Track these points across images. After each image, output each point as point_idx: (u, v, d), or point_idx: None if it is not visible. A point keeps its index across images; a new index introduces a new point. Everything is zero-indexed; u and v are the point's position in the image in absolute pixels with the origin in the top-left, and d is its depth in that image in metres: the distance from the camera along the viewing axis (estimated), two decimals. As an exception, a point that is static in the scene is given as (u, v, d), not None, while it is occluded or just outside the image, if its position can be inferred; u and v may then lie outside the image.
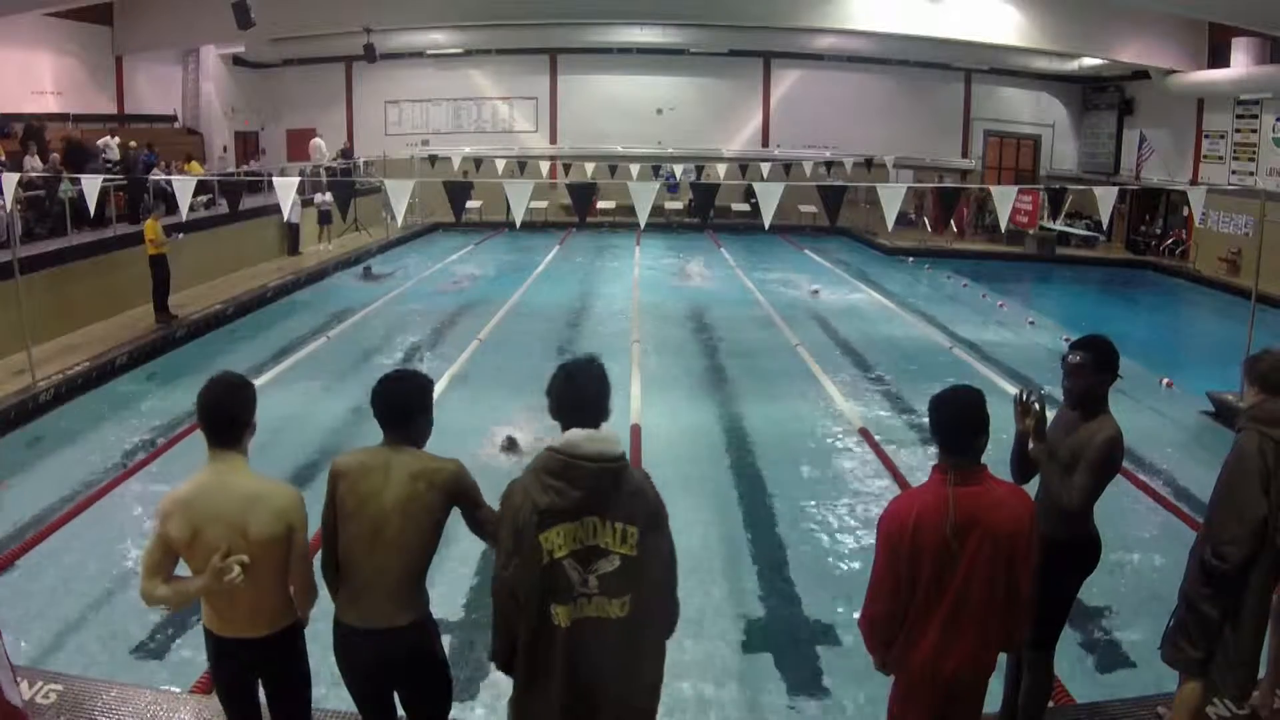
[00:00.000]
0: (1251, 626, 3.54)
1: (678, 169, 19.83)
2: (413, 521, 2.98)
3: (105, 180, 11.32)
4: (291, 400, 9.41)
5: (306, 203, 19.29)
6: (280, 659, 3.09)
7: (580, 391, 2.76)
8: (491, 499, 2.99)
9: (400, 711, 3.26)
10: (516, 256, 20.23)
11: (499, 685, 4.76)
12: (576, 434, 2.65)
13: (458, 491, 3.04)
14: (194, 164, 18.43)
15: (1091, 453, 3.40)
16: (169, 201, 12.32)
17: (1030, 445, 3.55)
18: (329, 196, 18.95)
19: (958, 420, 2.91)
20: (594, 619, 2.58)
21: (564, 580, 2.55)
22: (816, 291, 16.23)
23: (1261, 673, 4.07)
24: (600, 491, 2.58)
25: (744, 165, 23.01)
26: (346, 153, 24.73)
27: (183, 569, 2.96)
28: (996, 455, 3.48)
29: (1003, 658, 3.57)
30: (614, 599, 2.58)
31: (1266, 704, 4.07)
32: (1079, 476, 3.41)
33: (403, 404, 3.08)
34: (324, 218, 20.07)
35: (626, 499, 2.61)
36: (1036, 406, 3.52)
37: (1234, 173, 19.18)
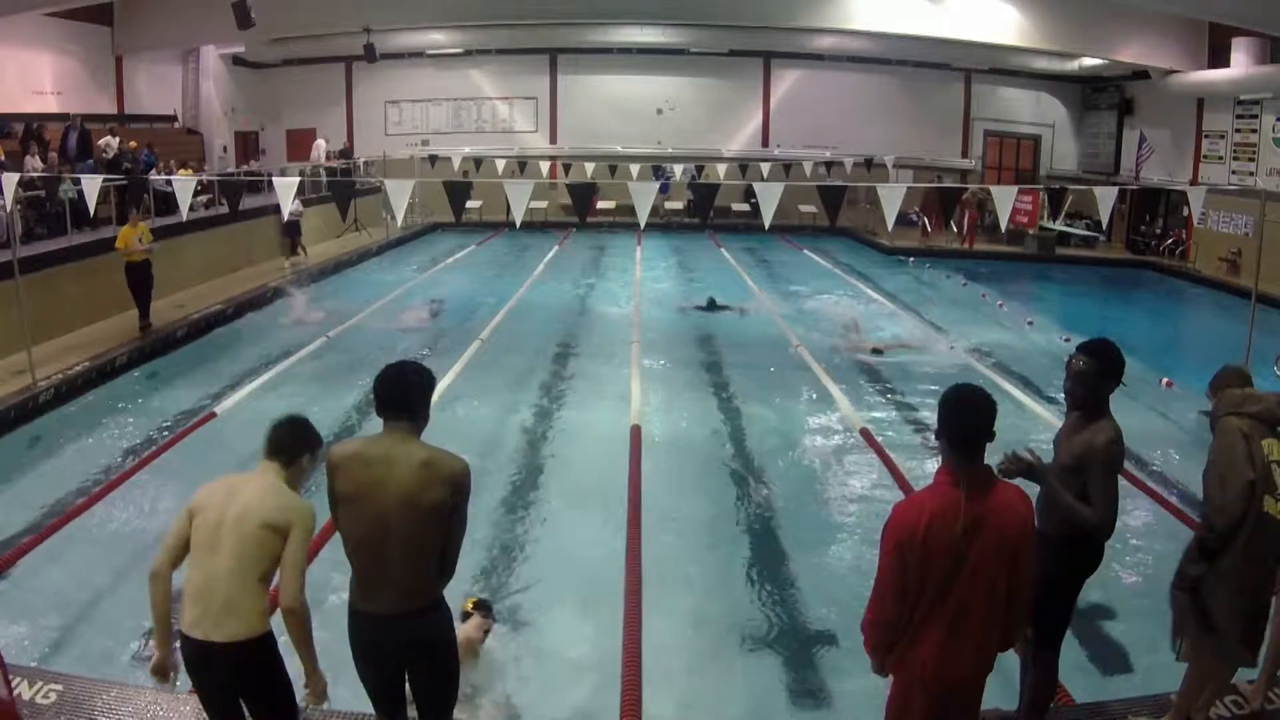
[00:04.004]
0: (1248, 591, 3.59)
1: (677, 169, 19.85)
2: (420, 511, 3.00)
3: (105, 180, 11.30)
4: (290, 400, 9.41)
5: (250, 213, 16.88)
6: (257, 670, 3.12)
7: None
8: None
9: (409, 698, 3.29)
10: (516, 257, 20.24)
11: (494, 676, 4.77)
12: None
13: (461, 489, 3.07)
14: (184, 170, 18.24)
15: (1099, 458, 3.42)
16: (147, 205, 12.10)
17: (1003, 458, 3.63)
18: (298, 204, 16.63)
19: (968, 421, 2.90)
20: None
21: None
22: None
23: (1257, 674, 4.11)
24: None
25: (744, 165, 23.02)
26: (346, 153, 24.72)
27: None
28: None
29: (1013, 660, 3.58)
30: None
31: (1257, 699, 4.10)
32: (1096, 487, 3.41)
33: (408, 393, 3.14)
34: (290, 229, 18.00)
35: None
36: (1018, 461, 3.47)
37: (1234, 173, 19.17)
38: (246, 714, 3.22)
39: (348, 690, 3.52)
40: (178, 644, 3.12)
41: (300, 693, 3.25)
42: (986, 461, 2.95)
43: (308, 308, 14.17)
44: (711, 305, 14.67)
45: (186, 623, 3.05)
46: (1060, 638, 3.73)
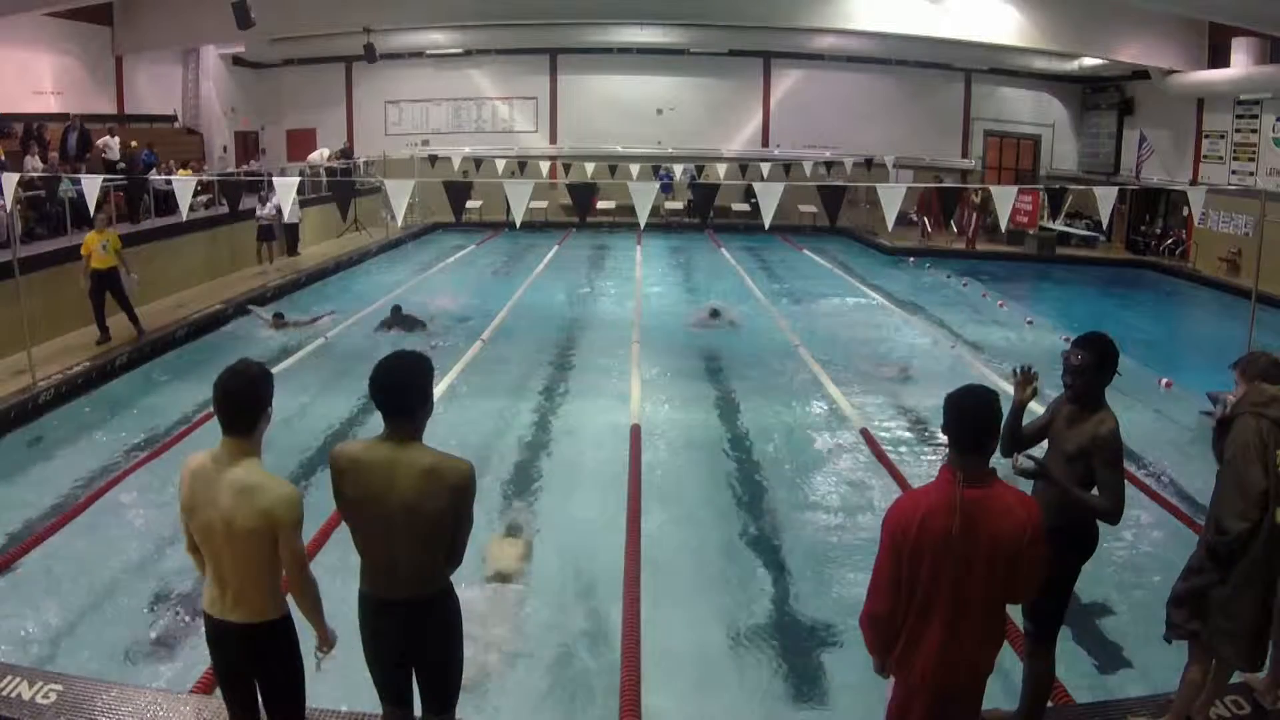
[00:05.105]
0: (1251, 596, 3.59)
1: (678, 169, 19.86)
2: (423, 518, 3.01)
3: (105, 180, 11.29)
4: (290, 401, 9.40)
5: (249, 214, 16.30)
6: (268, 652, 3.15)
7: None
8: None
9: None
10: (516, 257, 20.23)
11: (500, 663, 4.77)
12: None
13: (465, 495, 3.07)
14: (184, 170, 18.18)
15: (1105, 450, 3.49)
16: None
17: (1016, 459, 3.67)
18: (272, 208, 15.83)
19: (972, 420, 2.91)
20: None
21: None
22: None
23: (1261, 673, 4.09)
24: None
25: (744, 165, 23.04)
26: (346, 153, 24.72)
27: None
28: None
29: (1013, 660, 3.59)
30: None
31: (1268, 698, 4.09)
32: (1104, 476, 3.48)
33: (404, 392, 3.03)
34: (265, 233, 16.72)
35: None
36: (1036, 380, 3.63)
37: (1234, 173, 19.17)
38: (259, 695, 3.25)
39: (351, 688, 3.52)
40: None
41: (312, 666, 3.30)
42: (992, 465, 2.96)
43: (307, 309, 14.17)
44: (714, 315, 13.69)
45: (206, 602, 3.14)
46: (1057, 629, 3.76)
